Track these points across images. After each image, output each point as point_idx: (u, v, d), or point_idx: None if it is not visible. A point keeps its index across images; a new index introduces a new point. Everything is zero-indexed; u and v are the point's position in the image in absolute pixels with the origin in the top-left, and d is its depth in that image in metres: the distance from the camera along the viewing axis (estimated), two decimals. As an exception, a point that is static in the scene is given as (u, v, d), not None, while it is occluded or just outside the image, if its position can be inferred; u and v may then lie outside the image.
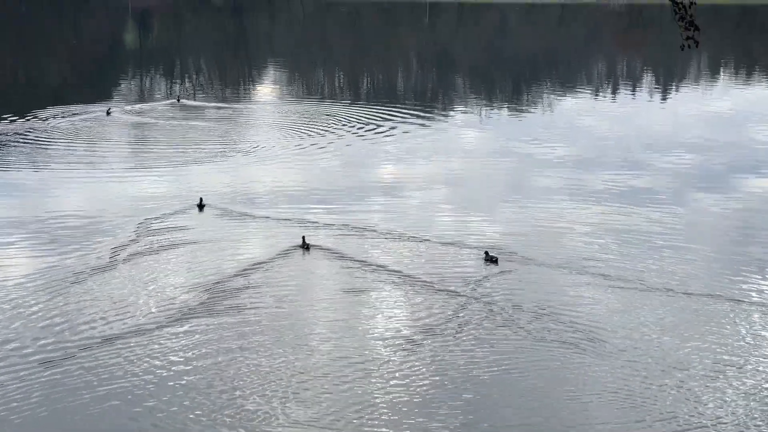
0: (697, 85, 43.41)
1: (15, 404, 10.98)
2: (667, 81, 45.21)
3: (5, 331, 13.07)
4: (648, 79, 46.59)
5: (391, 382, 11.86)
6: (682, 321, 13.74)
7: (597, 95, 39.65)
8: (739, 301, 14.52)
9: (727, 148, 26.83)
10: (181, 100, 35.60)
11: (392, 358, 12.51)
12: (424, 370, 12.19)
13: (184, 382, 11.72)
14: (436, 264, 16.12)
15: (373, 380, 11.90)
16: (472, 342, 13.03)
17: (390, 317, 13.96)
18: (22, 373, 11.78)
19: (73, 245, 16.91)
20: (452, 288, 14.94)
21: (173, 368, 12.08)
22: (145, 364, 12.14)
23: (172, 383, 11.68)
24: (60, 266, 15.73)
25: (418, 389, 11.68)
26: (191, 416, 10.93)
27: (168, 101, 35.75)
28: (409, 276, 15.53)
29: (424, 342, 13.01)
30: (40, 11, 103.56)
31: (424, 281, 15.27)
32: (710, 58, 53.52)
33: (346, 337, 13.25)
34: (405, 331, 13.40)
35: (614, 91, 41.09)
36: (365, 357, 12.56)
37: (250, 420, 10.87)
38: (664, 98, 38.64)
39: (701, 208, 20.19)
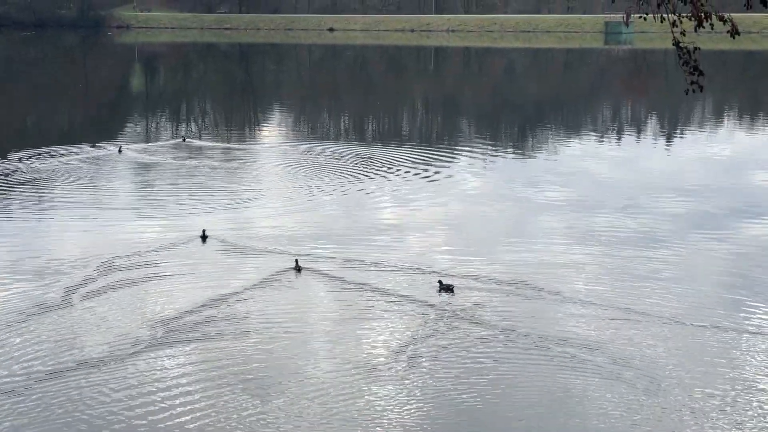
0: (702, 129, 43.46)
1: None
2: (671, 125, 45.32)
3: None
4: (652, 123, 46.74)
5: (382, 409, 11.95)
6: (682, 347, 13.98)
7: (602, 139, 39.73)
8: (747, 332, 14.70)
9: (731, 192, 26.77)
10: (186, 140, 36.21)
11: (383, 384, 12.68)
12: (418, 395, 12.36)
13: (160, 409, 11.91)
14: (431, 293, 16.34)
15: (363, 406, 12.02)
16: (467, 366, 13.26)
17: (377, 340, 14.28)
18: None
19: (72, 275, 17.38)
20: (446, 314, 15.27)
21: (148, 397, 12.26)
22: (121, 392, 12.37)
23: (149, 411, 11.88)
24: (50, 297, 16.09)
25: (413, 415, 11.78)
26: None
27: (173, 141, 36.35)
28: (400, 300, 15.97)
29: (417, 366, 13.26)
30: (48, 56, 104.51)
31: (416, 306, 15.65)
32: (715, 103, 53.68)
33: (331, 359, 13.56)
34: (396, 353, 13.70)
35: (619, 135, 41.17)
36: (353, 380, 12.79)
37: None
38: (668, 142, 38.68)
39: (704, 250, 20.08)
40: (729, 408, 11.98)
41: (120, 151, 32.60)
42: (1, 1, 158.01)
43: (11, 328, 14.63)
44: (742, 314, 15.51)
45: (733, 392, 12.45)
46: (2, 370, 13.07)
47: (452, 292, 16.16)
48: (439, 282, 16.50)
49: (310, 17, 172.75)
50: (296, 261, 17.79)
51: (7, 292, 16.56)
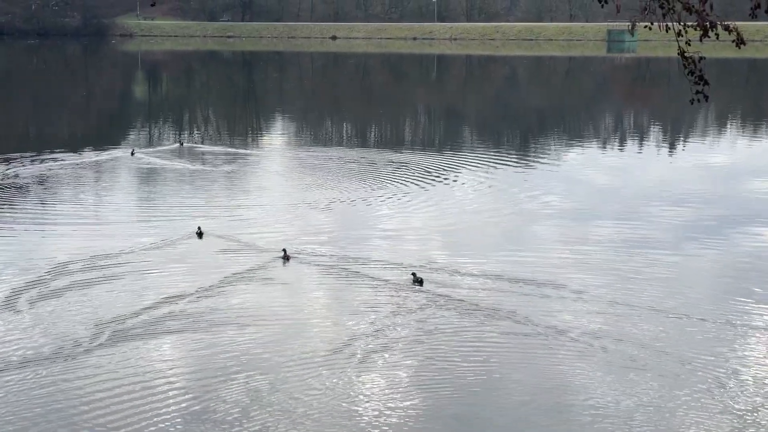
0: (706, 138, 43.37)
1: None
2: (674, 134, 45.23)
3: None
4: (655, 132, 46.64)
5: (374, 395, 12.18)
6: (669, 335, 14.16)
7: (605, 148, 39.65)
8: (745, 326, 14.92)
9: (737, 200, 26.70)
10: (183, 145, 36.99)
11: (375, 371, 12.99)
12: (410, 383, 12.65)
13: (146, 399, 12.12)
14: (416, 287, 16.80)
15: (355, 392, 12.24)
16: (460, 348, 13.78)
17: (364, 329, 14.60)
18: None
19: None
20: (434, 306, 15.77)
21: (123, 386, 12.49)
22: (107, 379, 12.67)
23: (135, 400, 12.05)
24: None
25: (406, 404, 11.97)
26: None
27: (172, 146, 36.97)
28: (385, 292, 16.51)
29: (405, 354, 13.61)
30: (52, 65, 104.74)
31: (399, 298, 16.12)
32: (718, 111, 53.58)
33: (314, 348, 13.91)
34: (381, 342, 14.07)
35: (622, 144, 41.08)
36: (340, 367, 13.07)
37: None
38: (671, 151, 38.59)
39: (706, 256, 19.90)
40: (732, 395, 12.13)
41: (132, 153, 33.86)
42: (5, 10, 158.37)
43: (14, 315, 15.18)
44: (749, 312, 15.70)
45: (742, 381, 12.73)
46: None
47: (421, 284, 16.79)
48: (413, 274, 17.13)
49: (313, 25, 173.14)
50: (284, 250, 18.64)
51: (11, 282, 17.11)
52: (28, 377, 12.64)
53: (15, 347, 13.72)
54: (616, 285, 17.14)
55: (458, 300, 16.00)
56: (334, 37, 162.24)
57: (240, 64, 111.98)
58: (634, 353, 13.56)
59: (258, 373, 12.82)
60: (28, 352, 13.51)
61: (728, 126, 48.61)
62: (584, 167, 33.82)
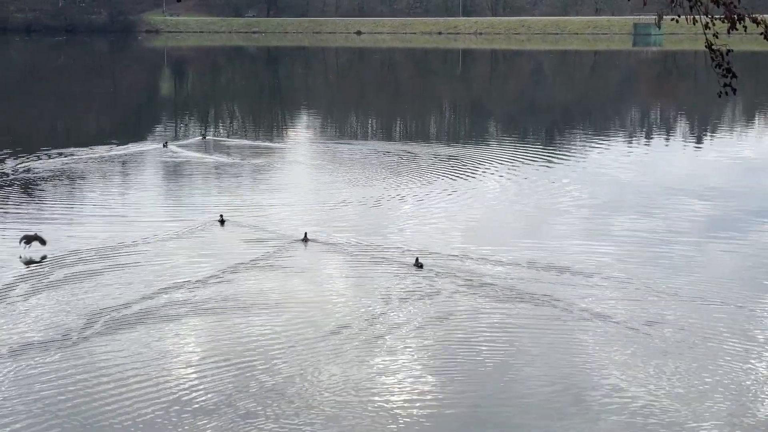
0: (732, 132, 43.04)
1: None
2: (700, 128, 44.92)
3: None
4: (681, 125, 46.34)
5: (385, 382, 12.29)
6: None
7: (631, 142, 39.45)
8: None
9: (764, 192, 26.55)
10: (206, 138, 37.74)
11: (393, 353, 13.18)
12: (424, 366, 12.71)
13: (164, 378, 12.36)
14: (429, 273, 17.02)
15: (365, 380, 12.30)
16: (479, 333, 13.99)
17: (381, 312, 14.86)
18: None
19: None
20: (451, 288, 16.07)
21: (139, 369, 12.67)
22: (112, 360, 12.93)
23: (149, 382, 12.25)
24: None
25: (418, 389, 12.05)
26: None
27: (195, 139, 37.71)
28: (400, 274, 16.99)
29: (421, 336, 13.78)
30: (79, 61, 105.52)
31: (411, 283, 16.46)
32: (745, 105, 53.14)
33: (331, 330, 14.14)
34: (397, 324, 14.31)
35: (648, 138, 40.87)
36: (359, 349, 13.30)
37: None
38: (698, 145, 38.36)
39: (730, 249, 19.84)
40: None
41: (165, 145, 34.56)
42: (33, 7, 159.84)
43: (40, 296, 15.68)
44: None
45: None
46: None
47: (422, 267, 17.23)
48: (416, 259, 17.55)
49: (338, 20, 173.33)
50: (305, 234, 19.36)
51: (32, 266, 17.58)
52: (47, 359, 12.89)
53: (23, 330, 13.98)
54: (652, 274, 17.11)
55: (478, 286, 16.14)
56: (359, 32, 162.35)
57: (265, 60, 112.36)
58: (662, 339, 13.60)
59: (272, 357, 12.94)
60: (46, 334, 13.78)
61: (755, 120, 48.20)
62: (610, 161, 33.65)
